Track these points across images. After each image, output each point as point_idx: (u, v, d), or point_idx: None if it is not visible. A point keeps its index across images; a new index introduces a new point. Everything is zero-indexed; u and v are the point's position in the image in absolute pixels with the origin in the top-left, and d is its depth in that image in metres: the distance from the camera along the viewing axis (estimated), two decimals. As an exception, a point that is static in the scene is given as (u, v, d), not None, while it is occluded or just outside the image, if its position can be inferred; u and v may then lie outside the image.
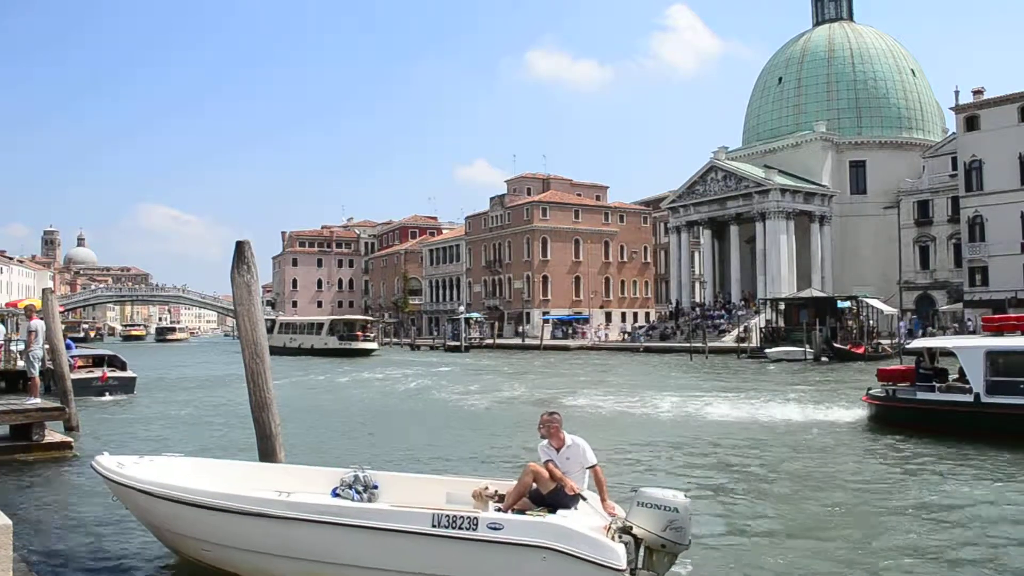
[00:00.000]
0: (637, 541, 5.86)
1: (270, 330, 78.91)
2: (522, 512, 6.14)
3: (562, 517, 5.79)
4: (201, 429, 17.93)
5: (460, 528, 5.65)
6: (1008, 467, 12.13)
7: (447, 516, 5.74)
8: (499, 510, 6.23)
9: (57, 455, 13.06)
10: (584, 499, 6.19)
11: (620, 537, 5.79)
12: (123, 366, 25.73)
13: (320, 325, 63.70)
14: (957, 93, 54.29)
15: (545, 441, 6.49)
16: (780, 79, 70.00)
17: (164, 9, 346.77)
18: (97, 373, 24.69)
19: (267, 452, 8.58)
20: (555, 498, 6.17)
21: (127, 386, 24.84)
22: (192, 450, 14.57)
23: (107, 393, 23.78)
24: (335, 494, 6.85)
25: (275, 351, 67.19)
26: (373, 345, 60.39)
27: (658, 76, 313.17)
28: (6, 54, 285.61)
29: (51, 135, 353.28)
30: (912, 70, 68.32)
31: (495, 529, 5.60)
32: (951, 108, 55.26)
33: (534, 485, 6.32)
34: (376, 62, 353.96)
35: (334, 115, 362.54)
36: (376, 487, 6.96)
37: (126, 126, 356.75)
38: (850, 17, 71.76)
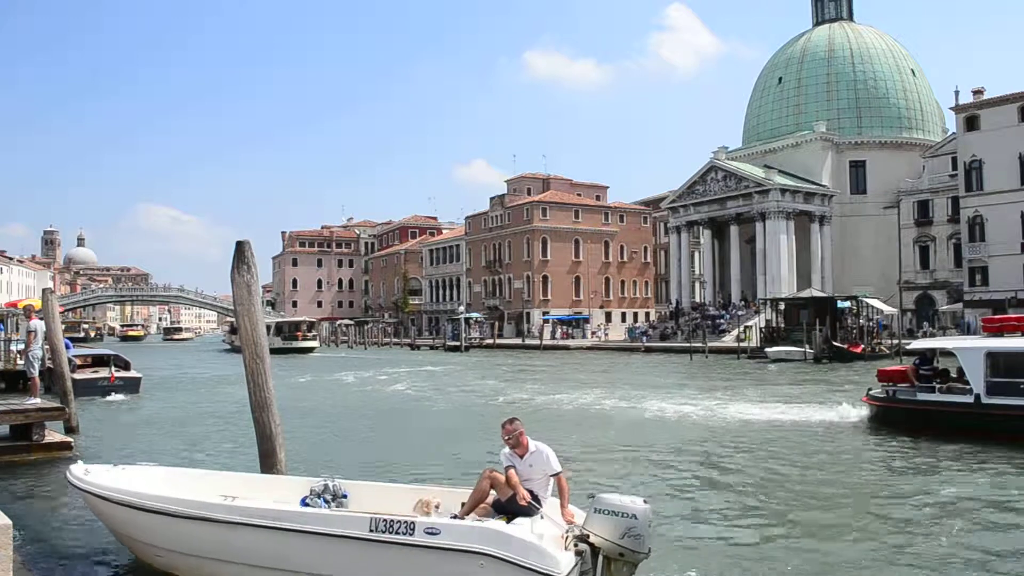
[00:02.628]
0: (595, 550, 5.69)
1: (232, 331, 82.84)
2: (481, 520, 6.06)
3: (503, 523, 5.66)
4: (202, 429, 17.91)
5: (397, 533, 5.58)
6: (1009, 468, 12.12)
7: (384, 521, 5.66)
8: (455, 516, 6.18)
9: (57, 455, 13.04)
10: (538, 508, 6.01)
11: (577, 545, 5.63)
12: (127, 366, 25.80)
13: (268, 326, 67.46)
14: (957, 93, 54.33)
15: (508, 449, 6.35)
16: (780, 79, 69.96)
17: (164, 9, 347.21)
18: (103, 373, 24.78)
19: (267, 452, 8.56)
20: (512, 505, 6.07)
21: (132, 386, 24.91)
22: (191, 450, 14.59)
23: (112, 393, 23.85)
24: (304, 503, 6.85)
25: (236, 350, 69.75)
26: (313, 344, 66.15)
27: (658, 76, 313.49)
28: (6, 54, 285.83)
29: (51, 135, 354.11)
30: (912, 70, 68.28)
31: (432, 534, 5.51)
32: (951, 108, 55.25)
33: (493, 492, 6.25)
34: (376, 62, 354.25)
35: (334, 115, 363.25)
36: (346, 496, 6.94)
37: (126, 126, 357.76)
38: (850, 17, 71.72)
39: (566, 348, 61.20)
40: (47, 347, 17.21)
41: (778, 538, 8.55)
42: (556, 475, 6.25)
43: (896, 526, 8.97)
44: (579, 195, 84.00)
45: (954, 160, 55.74)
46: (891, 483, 11.43)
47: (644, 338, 59.66)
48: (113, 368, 25.15)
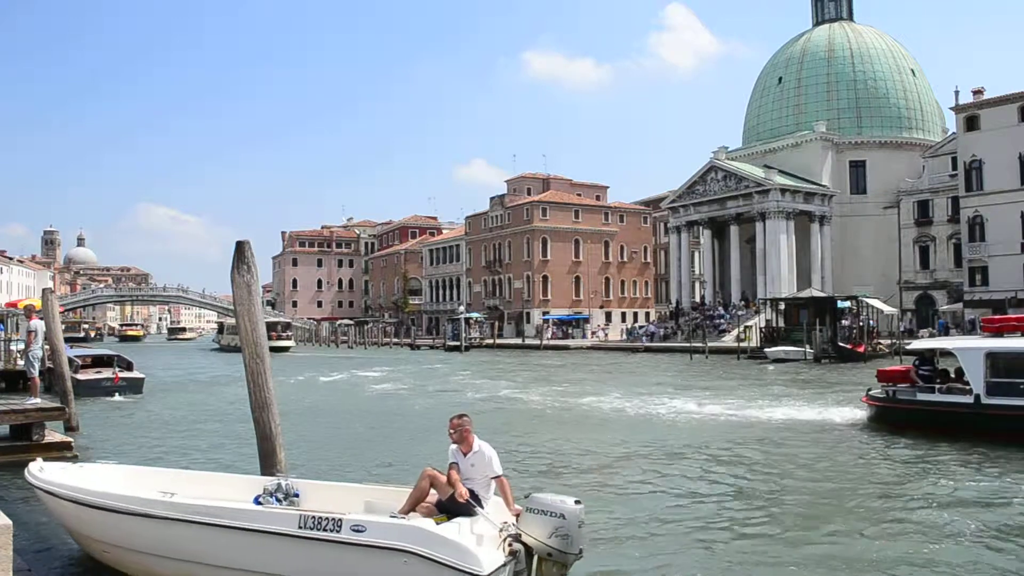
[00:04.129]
0: (529, 549, 5.71)
1: (220, 331, 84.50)
2: (409, 518, 6.06)
3: (430, 522, 5.73)
4: (202, 429, 17.92)
5: (324, 529, 5.66)
6: (1008, 468, 12.11)
7: (313, 517, 5.75)
8: (393, 515, 6.20)
9: (57, 455, 13.02)
10: (475, 507, 6.01)
11: (511, 545, 5.67)
12: (129, 366, 25.85)
13: None
14: (957, 93, 54.32)
15: (455, 446, 6.36)
16: (780, 79, 69.97)
17: (164, 9, 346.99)
18: (107, 373, 24.83)
19: (267, 452, 8.55)
20: (452, 504, 6.07)
21: (135, 386, 24.97)
22: (190, 450, 14.59)
23: (116, 394, 23.92)
24: (257, 501, 6.97)
25: (224, 349, 71.01)
26: (288, 343, 70.01)
27: (657, 76, 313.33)
28: (6, 54, 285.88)
29: (51, 135, 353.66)
30: (912, 70, 68.28)
31: (358, 531, 5.58)
32: (951, 108, 55.24)
33: (433, 491, 6.27)
34: (376, 62, 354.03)
35: (334, 115, 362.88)
36: (297, 495, 7.05)
37: (126, 126, 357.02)
38: (850, 17, 71.71)
39: (566, 348, 61.24)
40: (47, 347, 17.21)
41: (775, 538, 8.55)
42: (496, 478, 6.23)
43: (895, 526, 8.97)
44: (579, 195, 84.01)
45: (954, 160, 55.73)
46: (891, 483, 11.42)
47: (646, 338, 59.70)
48: (117, 368, 25.24)
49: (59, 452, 13.15)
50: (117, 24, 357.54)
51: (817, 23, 71.94)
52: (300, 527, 5.74)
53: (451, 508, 6.06)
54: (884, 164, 63.90)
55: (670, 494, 10.76)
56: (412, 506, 6.27)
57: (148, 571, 6.61)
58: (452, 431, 6.36)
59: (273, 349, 55.24)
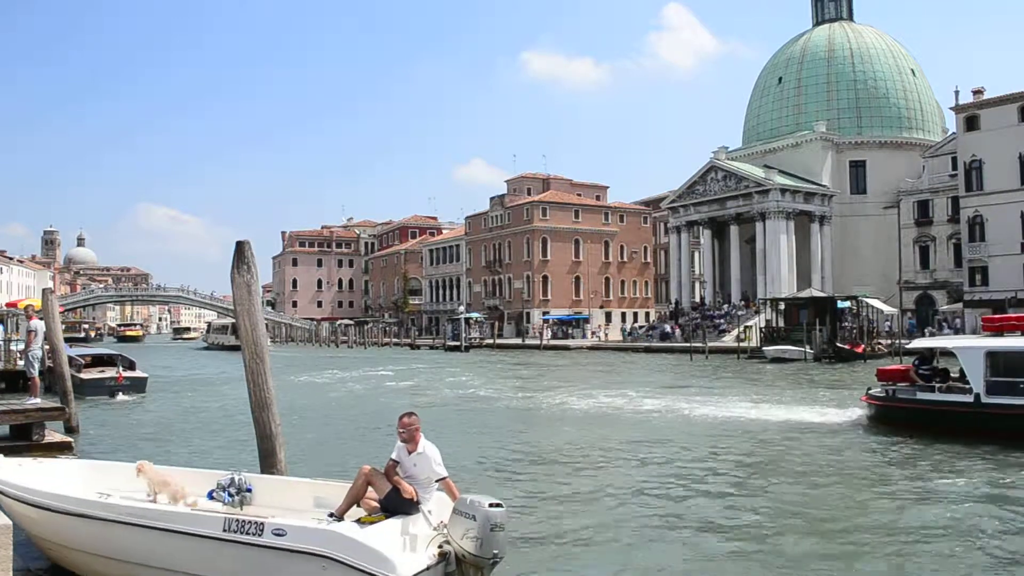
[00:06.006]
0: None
1: (208, 331, 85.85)
2: (330, 521, 6.03)
3: (352, 526, 5.73)
4: (202, 428, 17.92)
5: (247, 533, 5.71)
6: (1008, 468, 12.12)
7: (237, 521, 5.80)
8: (332, 514, 6.20)
9: (57, 455, 13.02)
10: (419, 506, 5.97)
11: (441, 547, 5.67)
12: (132, 365, 25.87)
13: (226, 327, 76.23)
14: (957, 93, 54.34)
15: (402, 444, 6.28)
16: (780, 79, 69.99)
17: (164, 9, 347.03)
18: (110, 373, 24.83)
19: (267, 452, 8.54)
20: (390, 503, 6.00)
21: (139, 386, 24.96)
22: (188, 449, 14.58)
23: (120, 393, 23.90)
24: (211, 496, 7.06)
25: (211, 348, 72.43)
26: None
27: (657, 76, 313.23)
28: (6, 54, 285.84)
29: (51, 135, 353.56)
30: (912, 70, 68.31)
31: (278, 535, 5.61)
32: (951, 108, 55.25)
33: (372, 489, 6.24)
34: (376, 62, 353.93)
35: (334, 115, 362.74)
36: (250, 490, 7.09)
37: (126, 126, 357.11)
38: (850, 17, 71.75)
39: (566, 348, 61.24)
40: (47, 347, 17.22)
41: (771, 538, 8.54)
42: (442, 480, 6.18)
43: (895, 525, 8.97)
44: (579, 195, 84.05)
45: (954, 160, 55.75)
46: (890, 482, 11.42)
47: (650, 338, 59.74)
48: (120, 368, 25.26)
49: (59, 452, 13.14)
50: (117, 24, 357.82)
51: (817, 23, 71.97)
52: (224, 530, 5.80)
53: (390, 507, 6.02)
54: (884, 164, 63.94)
55: (662, 495, 10.73)
56: (349, 505, 6.25)
57: (86, 568, 6.75)
58: (402, 430, 6.29)
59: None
